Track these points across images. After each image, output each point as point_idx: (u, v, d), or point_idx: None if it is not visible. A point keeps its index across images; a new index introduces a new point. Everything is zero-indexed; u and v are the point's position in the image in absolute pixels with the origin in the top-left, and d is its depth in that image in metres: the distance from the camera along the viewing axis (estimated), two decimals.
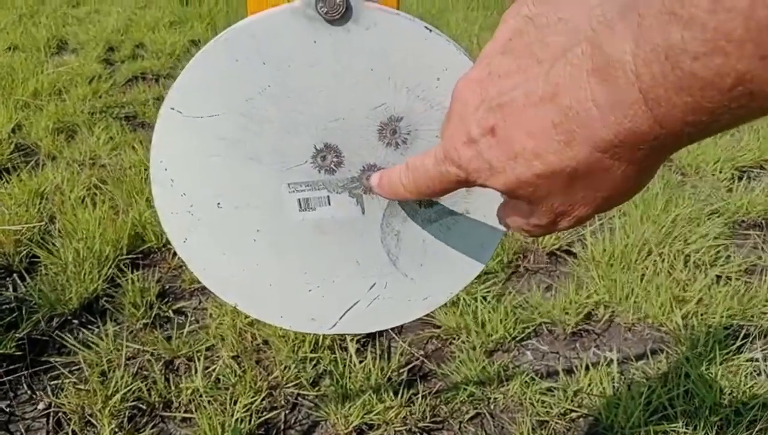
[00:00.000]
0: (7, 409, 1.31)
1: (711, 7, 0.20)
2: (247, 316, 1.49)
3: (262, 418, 1.29)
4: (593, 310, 1.57)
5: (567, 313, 1.53)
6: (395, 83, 0.44)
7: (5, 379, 1.36)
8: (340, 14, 0.41)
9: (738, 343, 1.44)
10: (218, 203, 0.48)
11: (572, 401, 1.32)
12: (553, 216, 0.32)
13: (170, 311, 1.58)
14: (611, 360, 1.41)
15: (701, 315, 1.53)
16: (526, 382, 1.36)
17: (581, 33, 0.27)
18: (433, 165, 0.35)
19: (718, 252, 1.76)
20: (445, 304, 0.58)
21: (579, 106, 0.26)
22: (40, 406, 1.32)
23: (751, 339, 1.48)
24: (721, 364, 1.39)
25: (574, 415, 1.30)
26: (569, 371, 1.41)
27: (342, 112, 0.45)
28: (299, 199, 0.48)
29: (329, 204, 0.49)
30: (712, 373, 1.36)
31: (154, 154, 0.46)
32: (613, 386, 1.35)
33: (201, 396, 1.32)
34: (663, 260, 1.68)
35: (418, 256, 0.52)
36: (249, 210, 0.48)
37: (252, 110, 0.44)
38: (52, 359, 1.41)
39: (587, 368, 1.39)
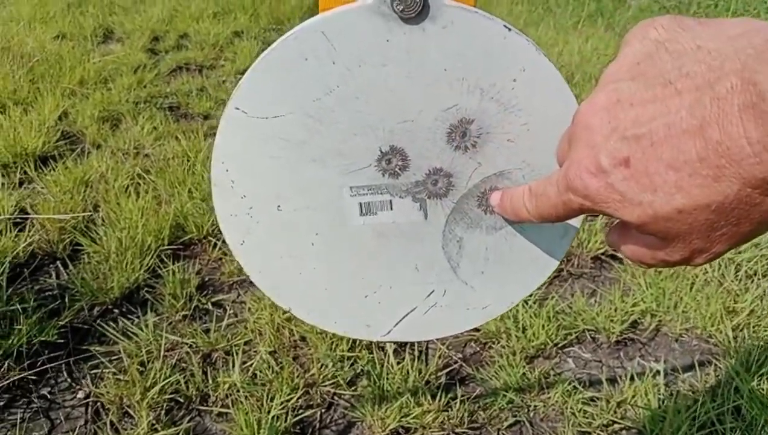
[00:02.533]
0: (49, 396, 1.32)
1: None
2: (285, 312, 1.48)
3: (299, 417, 1.28)
4: (639, 318, 1.53)
5: (612, 321, 1.49)
6: (469, 84, 0.42)
7: (47, 366, 1.37)
8: (416, 12, 0.39)
9: None
10: (278, 206, 0.46)
11: (615, 412, 1.29)
12: (688, 252, 0.31)
13: (209, 304, 1.58)
14: (657, 371, 1.37)
15: (753, 327, 1.48)
16: (567, 390, 1.33)
17: (727, 64, 0.25)
18: (555, 194, 0.34)
19: None
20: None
21: (730, 141, 0.24)
22: (80, 394, 1.33)
23: None
24: None
25: (617, 426, 1.27)
26: (613, 381, 1.37)
27: (411, 114, 0.43)
28: (361, 203, 0.46)
29: (391, 208, 0.47)
30: (763, 389, 1.31)
31: (216, 154, 0.44)
32: (659, 398, 1.31)
33: (238, 391, 1.31)
34: (713, 269, 1.63)
35: (479, 263, 0.49)
36: (309, 213, 0.46)
37: (319, 111, 0.42)
38: (92, 348, 1.42)
39: (632, 379, 1.35)
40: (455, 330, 0.53)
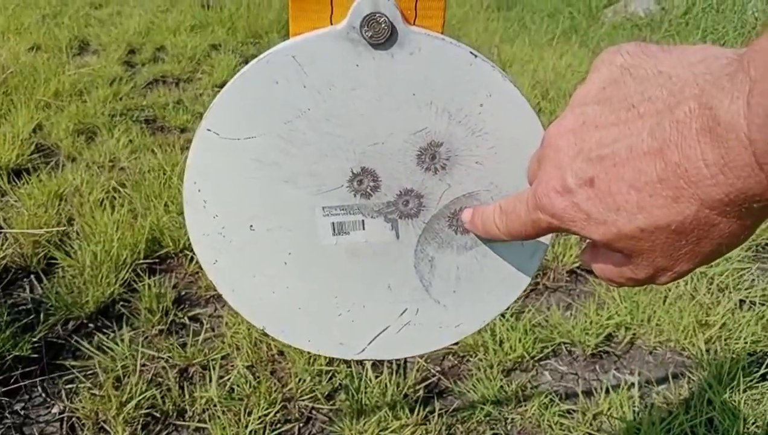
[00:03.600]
0: (22, 412, 1.30)
1: None
2: None
3: (276, 431, 1.27)
4: (614, 331, 1.55)
5: (587, 334, 1.51)
6: (437, 108, 0.43)
7: (21, 383, 1.35)
8: (385, 38, 0.40)
9: (762, 371, 1.41)
10: (251, 226, 0.46)
11: (591, 425, 1.30)
12: (652, 270, 0.31)
13: (186, 318, 1.57)
14: (632, 383, 1.39)
15: (725, 340, 1.50)
16: (544, 403, 1.34)
17: (686, 89, 0.27)
18: (524, 212, 0.35)
19: (742, 275, 1.73)
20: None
21: (688, 163, 0.26)
22: (54, 410, 1.31)
23: None
24: (744, 391, 1.36)
25: None
26: (589, 393, 1.39)
27: (381, 137, 0.44)
28: (333, 223, 0.47)
29: (363, 228, 0.48)
30: (735, 401, 1.33)
31: (188, 175, 0.45)
32: (634, 411, 1.33)
33: (215, 406, 1.31)
34: (686, 283, 1.65)
35: (451, 282, 0.50)
36: (281, 233, 0.47)
37: (290, 133, 0.43)
38: (67, 363, 1.41)
39: (607, 391, 1.37)
40: (429, 348, 0.53)
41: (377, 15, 0.40)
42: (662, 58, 0.30)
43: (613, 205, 0.29)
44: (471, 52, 0.42)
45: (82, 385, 1.35)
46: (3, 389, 1.33)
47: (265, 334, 1.44)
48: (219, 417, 1.28)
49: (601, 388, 1.38)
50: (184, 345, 1.47)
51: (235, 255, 0.48)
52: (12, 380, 1.35)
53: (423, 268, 0.49)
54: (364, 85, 0.42)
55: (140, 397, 1.30)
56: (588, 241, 0.34)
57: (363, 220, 0.47)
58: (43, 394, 1.35)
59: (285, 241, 0.47)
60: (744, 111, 0.23)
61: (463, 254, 0.49)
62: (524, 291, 0.52)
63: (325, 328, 0.51)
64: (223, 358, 1.44)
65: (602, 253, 0.34)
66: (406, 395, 1.35)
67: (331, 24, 0.42)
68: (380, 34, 0.40)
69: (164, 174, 2.13)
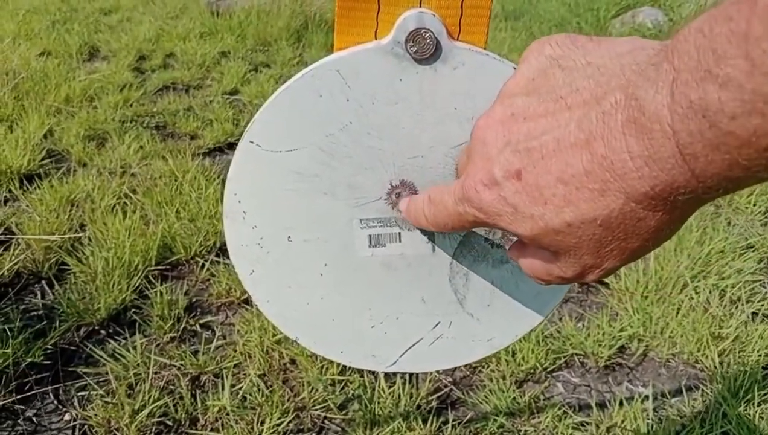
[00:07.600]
0: (35, 419, 1.30)
1: (748, 69, 0.20)
2: (274, 334, 1.48)
3: None
4: (627, 343, 1.54)
5: (600, 345, 1.50)
6: None
7: (36, 390, 1.35)
8: (430, 54, 0.40)
9: None
10: (288, 236, 0.46)
11: None
12: (580, 268, 0.31)
13: (197, 325, 1.57)
14: (645, 396, 1.38)
15: (738, 353, 1.49)
16: (557, 415, 1.33)
17: (613, 80, 0.26)
18: (451, 203, 0.34)
19: (754, 288, 1.73)
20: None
21: (614, 156, 0.25)
22: (66, 417, 1.31)
23: None
24: (759, 405, 1.35)
25: None
26: (602, 405, 1.38)
27: (421, 150, 0.44)
28: (370, 235, 0.47)
29: (400, 241, 0.47)
30: (750, 415, 1.33)
31: (230, 186, 0.45)
32: (648, 423, 1.32)
33: (228, 414, 1.30)
34: (698, 294, 1.65)
35: (485, 296, 0.50)
36: (318, 244, 0.47)
37: (332, 146, 0.43)
38: (79, 370, 1.41)
39: (621, 403, 1.36)
40: (460, 361, 0.53)
41: (423, 30, 0.40)
42: (591, 49, 0.29)
43: (540, 198, 0.28)
44: (514, 67, 0.42)
45: (95, 393, 1.35)
46: (17, 396, 1.33)
47: (280, 340, 1.43)
48: (232, 426, 1.28)
49: (615, 401, 1.37)
50: (196, 353, 1.46)
51: (272, 265, 0.48)
52: (26, 387, 1.35)
53: (458, 281, 0.49)
54: (407, 99, 0.42)
55: (153, 405, 1.30)
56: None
57: (400, 233, 0.47)
58: (56, 401, 1.34)
59: (321, 253, 0.47)
60: (668, 101, 0.23)
61: (499, 268, 0.49)
62: (556, 306, 0.52)
63: (357, 339, 0.51)
64: (235, 366, 1.44)
65: (529, 249, 0.33)
66: (419, 406, 1.35)
67: (376, 39, 0.42)
68: (425, 50, 0.40)
69: (175, 180, 2.13)
